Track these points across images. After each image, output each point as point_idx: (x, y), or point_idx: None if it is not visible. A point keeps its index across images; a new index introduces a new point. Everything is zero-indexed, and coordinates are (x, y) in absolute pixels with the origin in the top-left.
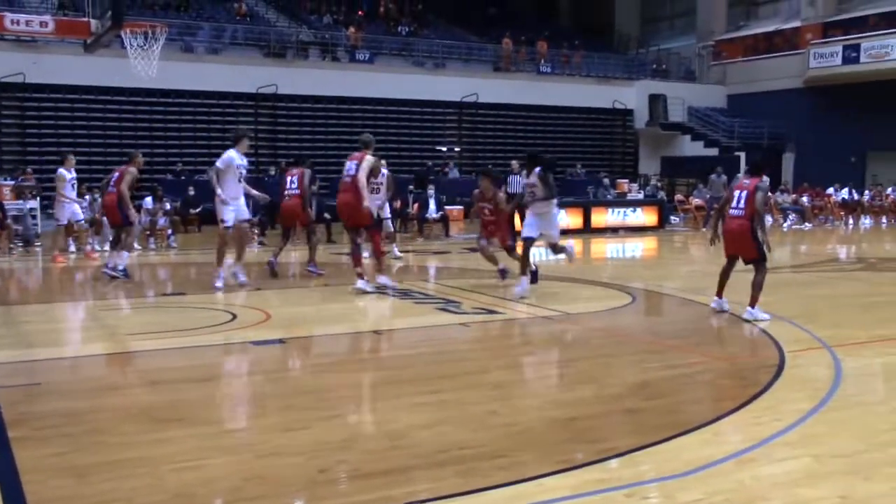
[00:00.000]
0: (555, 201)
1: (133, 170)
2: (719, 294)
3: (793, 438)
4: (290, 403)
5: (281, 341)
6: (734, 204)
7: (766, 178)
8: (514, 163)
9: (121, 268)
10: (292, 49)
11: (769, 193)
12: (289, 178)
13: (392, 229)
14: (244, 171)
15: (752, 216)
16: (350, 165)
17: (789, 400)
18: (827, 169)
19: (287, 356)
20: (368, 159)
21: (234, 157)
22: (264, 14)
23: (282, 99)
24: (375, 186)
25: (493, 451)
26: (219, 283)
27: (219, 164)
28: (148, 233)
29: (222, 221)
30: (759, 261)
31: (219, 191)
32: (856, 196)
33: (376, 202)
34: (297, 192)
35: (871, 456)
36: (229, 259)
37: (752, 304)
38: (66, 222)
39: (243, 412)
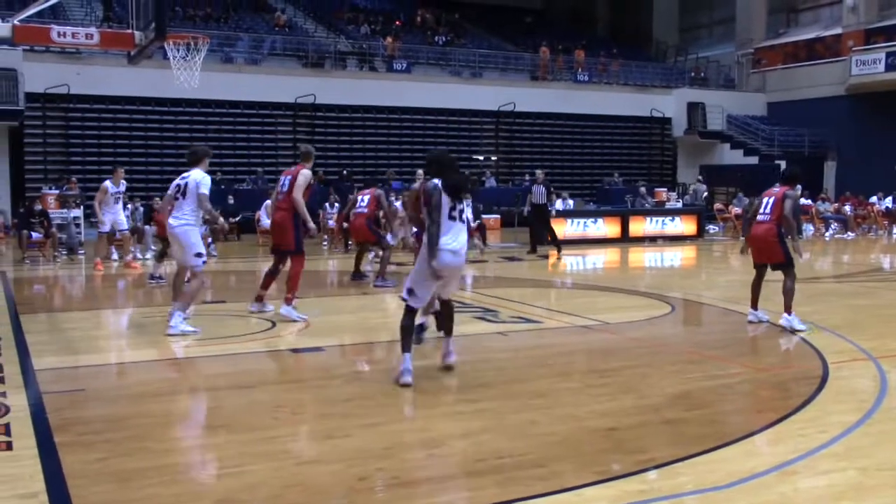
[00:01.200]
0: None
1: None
2: (754, 306)
3: (838, 451)
4: (330, 411)
5: (321, 349)
6: (762, 210)
7: (798, 188)
8: (539, 172)
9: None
10: (330, 59)
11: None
12: (360, 198)
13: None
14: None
15: (778, 221)
16: (283, 181)
17: (834, 412)
18: (869, 177)
19: (327, 364)
20: (304, 174)
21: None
22: (303, 25)
23: (320, 108)
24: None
25: (532, 460)
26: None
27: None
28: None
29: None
30: (786, 266)
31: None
32: None
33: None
34: (366, 211)
35: None
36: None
37: (788, 311)
38: (108, 230)
39: (284, 419)
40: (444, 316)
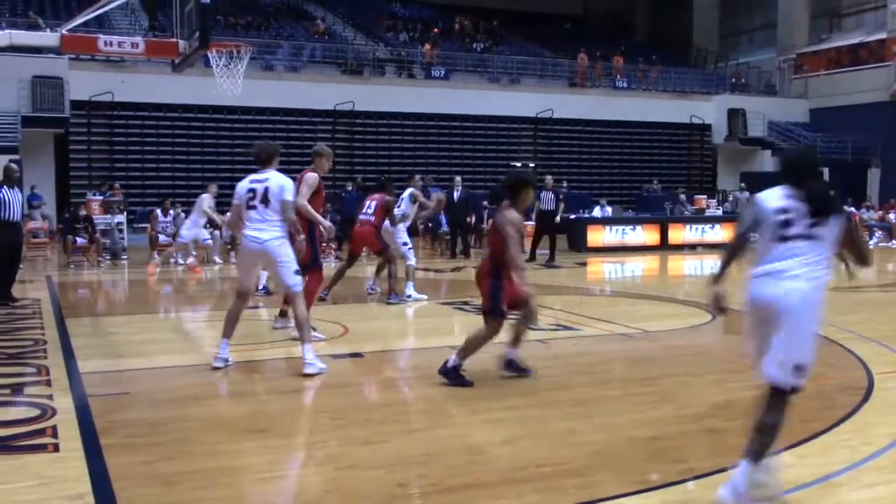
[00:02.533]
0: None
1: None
2: None
3: (883, 463)
4: (369, 417)
5: (359, 355)
6: None
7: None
8: (549, 178)
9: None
10: (369, 66)
11: None
12: (367, 203)
13: (412, 264)
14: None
15: None
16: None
17: (879, 423)
18: None
19: (366, 370)
20: (308, 178)
21: None
22: (342, 32)
23: (359, 115)
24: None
25: (571, 469)
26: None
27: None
28: (229, 247)
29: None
30: None
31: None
32: None
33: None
34: (372, 218)
35: None
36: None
37: None
38: (186, 241)
39: (324, 424)
40: None
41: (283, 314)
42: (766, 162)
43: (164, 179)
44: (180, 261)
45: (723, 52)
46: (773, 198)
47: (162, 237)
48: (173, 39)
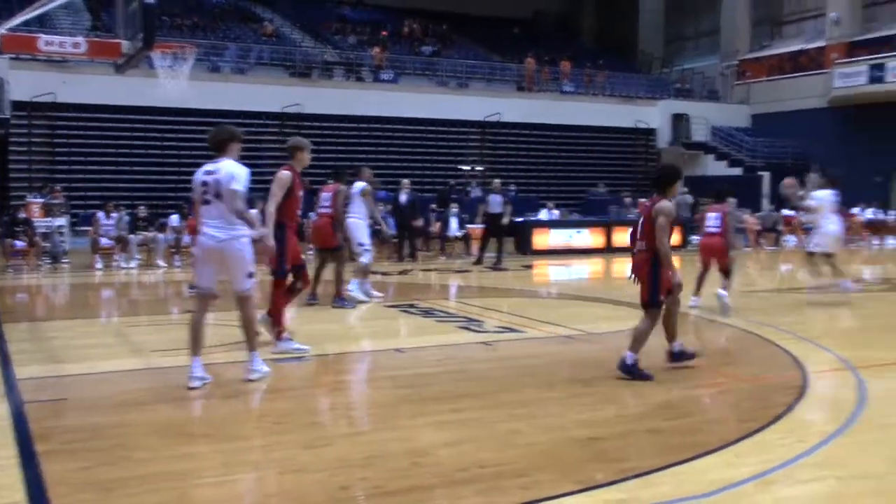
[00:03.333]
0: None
1: (344, 188)
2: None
3: (816, 460)
4: (313, 420)
5: (305, 358)
6: (709, 223)
7: (732, 201)
8: (497, 181)
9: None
10: (317, 69)
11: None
12: (323, 195)
13: (365, 262)
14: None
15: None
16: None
17: (813, 421)
18: (852, 189)
19: (310, 373)
20: (279, 177)
21: None
22: (290, 34)
23: (307, 118)
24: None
25: (514, 470)
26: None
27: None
28: (173, 250)
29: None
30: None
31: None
32: (881, 216)
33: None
34: (330, 210)
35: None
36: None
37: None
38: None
39: (266, 429)
40: None
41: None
42: (710, 166)
43: (106, 182)
44: (122, 264)
45: (668, 58)
46: None
47: (104, 240)
48: (117, 40)
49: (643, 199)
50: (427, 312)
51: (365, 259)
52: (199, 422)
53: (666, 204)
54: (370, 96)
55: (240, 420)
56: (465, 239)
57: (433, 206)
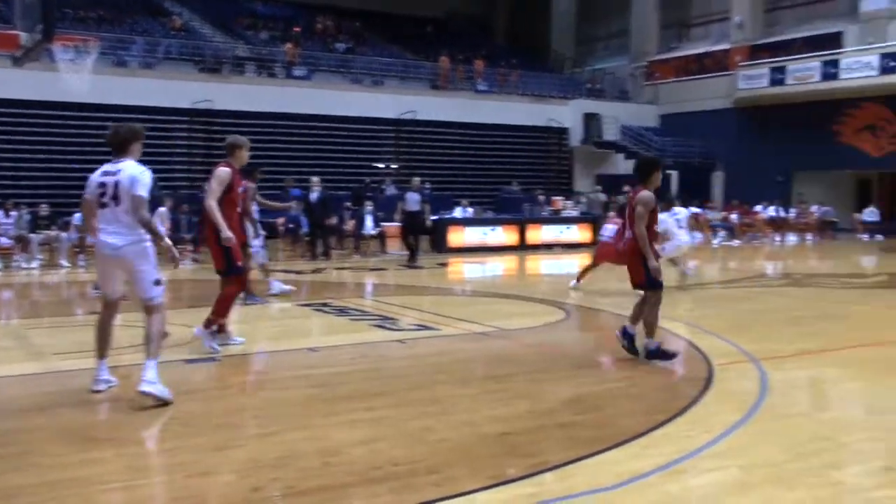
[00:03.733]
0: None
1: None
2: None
3: (720, 450)
4: (223, 422)
5: (215, 359)
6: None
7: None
8: (416, 179)
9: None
10: (228, 64)
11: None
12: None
13: (263, 261)
14: None
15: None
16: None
17: (717, 412)
18: (755, 187)
19: (221, 374)
20: (218, 174)
21: None
22: (199, 29)
23: (217, 115)
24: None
25: (426, 467)
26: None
27: None
28: (77, 249)
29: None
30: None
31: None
32: (782, 214)
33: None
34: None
35: (794, 466)
36: None
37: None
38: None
39: (174, 432)
40: None
41: (220, 329)
42: (620, 164)
43: (5, 179)
44: (24, 264)
45: (579, 58)
46: None
47: (3, 240)
48: (14, 31)
49: (627, 189)
50: (341, 311)
51: (258, 260)
52: (104, 426)
53: (646, 194)
54: (283, 93)
55: (146, 423)
56: (381, 237)
57: (348, 204)
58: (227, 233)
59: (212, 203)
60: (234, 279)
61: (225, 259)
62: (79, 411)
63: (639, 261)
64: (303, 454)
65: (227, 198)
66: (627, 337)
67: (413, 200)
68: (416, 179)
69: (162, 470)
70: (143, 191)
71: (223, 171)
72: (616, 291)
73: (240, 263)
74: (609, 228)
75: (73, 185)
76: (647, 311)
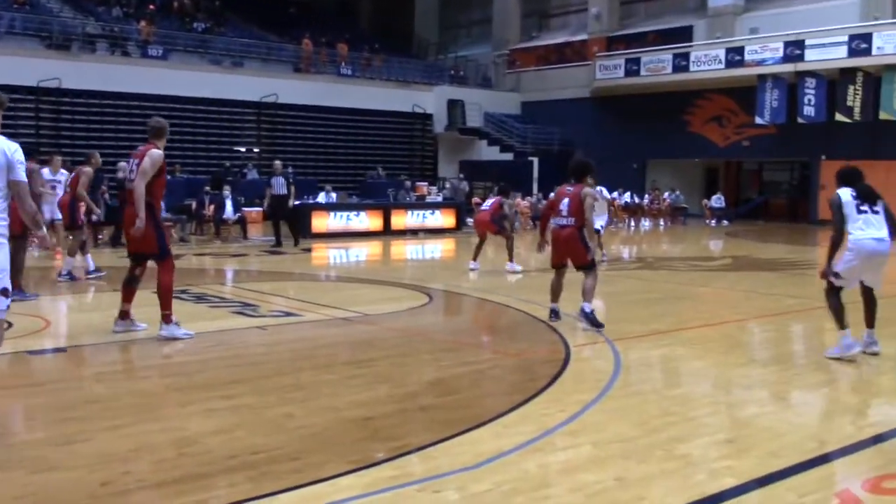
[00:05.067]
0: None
1: (88, 170)
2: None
3: (575, 427)
4: (70, 415)
5: (62, 350)
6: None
7: (514, 194)
8: (278, 163)
9: (92, 268)
10: (78, 41)
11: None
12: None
13: (83, 237)
14: None
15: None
16: (131, 165)
17: (573, 391)
18: (612, 174)
19: (68, 365)
20: (152, 155)
21: None
22: (46, 3)
23: (66, 94)
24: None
25: (287, 454)
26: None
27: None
28: None
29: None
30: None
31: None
32: (637, 200)
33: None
34: (68, 191)
35: (645, 440)
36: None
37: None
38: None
39: (17, 426)
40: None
41: (124, 315)
42: (483, 151)
43: None
44: None
45: (443, 45)
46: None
47: None
48: None
49: (566, 186)
50: (200, 298)
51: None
52: None
53: (591, 189)
54: (137, 72)
55: None
56: (241, 222)
57: (207, 188)
58: (142, 221)
59: (140, 188)
60: (168, 264)
61: (158, 242)
62: None
63: (581, 245)
64: (156, 446)
65: (158, 181)
66: (584, 315)
67: (279, 184)
68: (278, 163)
69: (2, 466)
70: (20, 174)
71: (157, 154)
72: (479, 274)
73: (169, 245)
74: (488, 203)
75: None
76: (591, 284)
